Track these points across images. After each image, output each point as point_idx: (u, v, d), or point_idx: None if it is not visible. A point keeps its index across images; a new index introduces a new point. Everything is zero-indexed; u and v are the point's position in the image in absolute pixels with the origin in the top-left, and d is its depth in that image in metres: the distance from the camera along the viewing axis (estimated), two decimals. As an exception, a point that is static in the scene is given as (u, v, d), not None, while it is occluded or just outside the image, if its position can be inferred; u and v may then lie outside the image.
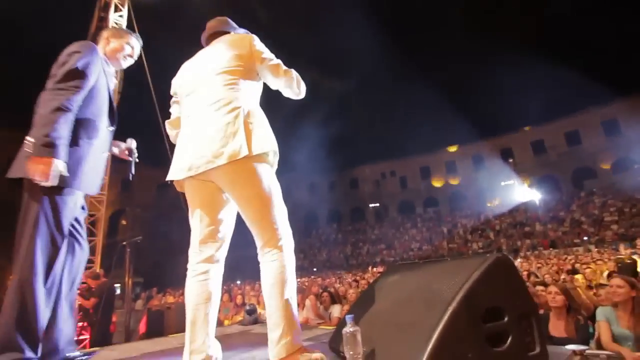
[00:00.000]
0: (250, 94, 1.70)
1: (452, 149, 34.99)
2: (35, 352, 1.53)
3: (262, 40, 1.79)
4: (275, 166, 1.69)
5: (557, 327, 3.14)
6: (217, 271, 1.65)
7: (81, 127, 1.75)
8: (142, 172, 29.98)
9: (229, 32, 1.91)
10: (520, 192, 29.34)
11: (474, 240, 26.52)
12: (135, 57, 2.15)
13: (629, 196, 22.99)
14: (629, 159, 26.78)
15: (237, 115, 1.56)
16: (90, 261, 10.21)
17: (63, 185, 1.64)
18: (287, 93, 1.87)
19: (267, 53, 1.76)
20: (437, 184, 35.07)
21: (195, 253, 1.62)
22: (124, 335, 5.84)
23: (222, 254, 1.68)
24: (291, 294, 1.50)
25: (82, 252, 1.87)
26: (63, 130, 1.60)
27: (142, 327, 6.48)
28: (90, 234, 10.44)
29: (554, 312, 3.21)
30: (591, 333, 3.22)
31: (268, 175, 1.59)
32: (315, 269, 26.28)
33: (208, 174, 1.57)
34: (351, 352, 1.22)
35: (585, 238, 20.87)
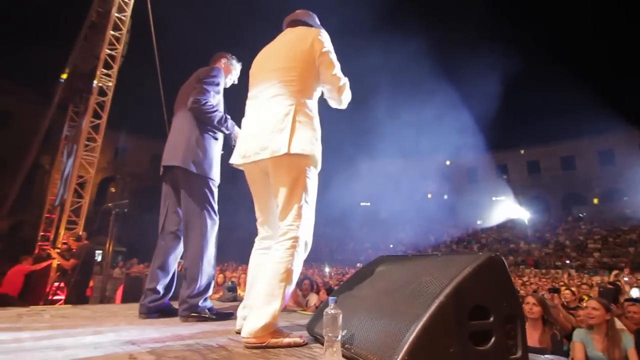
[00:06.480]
0: (307, 90, 1.70)
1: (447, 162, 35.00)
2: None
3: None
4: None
5: (531, 336, 3.16)
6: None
7: None
8: (137, 142, 29.25)
9: (307, 24, 1.91)
10: (510, 209, 29.58)
11: (458, 251, 26.76)
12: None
13: (614, 226, 23.32)
14: (617, 190, 27.11)
15: (287, 112, 1.60)
16: (73, 222, 10.07)
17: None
18: (331, 94, 1.86)
19: (328, 48, 1.76)
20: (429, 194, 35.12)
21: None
22: (99, 301, 5.79)
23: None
24: (289, 283, 1.49)
25: None
26: None
27: (118, 296, 6.42)
28: (78, 195, 10.29)
29: (529, 322, 3.23)
30: (565, 351, 3.25)
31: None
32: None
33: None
34: (330, 334, 1.18)
35: (567, 262, 21.17)
